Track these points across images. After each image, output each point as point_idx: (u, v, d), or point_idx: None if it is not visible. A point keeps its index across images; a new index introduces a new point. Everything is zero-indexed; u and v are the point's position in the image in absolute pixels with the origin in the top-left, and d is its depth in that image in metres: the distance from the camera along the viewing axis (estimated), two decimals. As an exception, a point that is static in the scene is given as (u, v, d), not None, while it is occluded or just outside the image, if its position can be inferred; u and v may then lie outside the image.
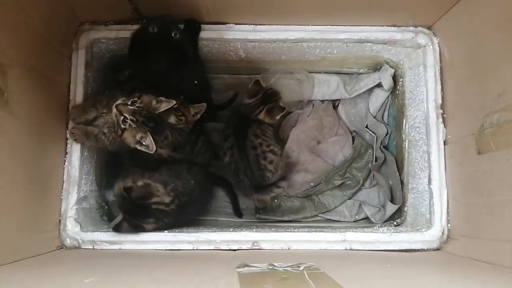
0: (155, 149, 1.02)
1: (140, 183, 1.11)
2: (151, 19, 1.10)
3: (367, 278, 0.68)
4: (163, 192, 1.12)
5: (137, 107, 1.02)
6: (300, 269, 0.76)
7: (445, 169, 1.12)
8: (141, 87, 1.28)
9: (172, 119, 1.10)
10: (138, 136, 1.02)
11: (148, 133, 1.02)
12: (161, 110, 1.05)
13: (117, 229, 1.07)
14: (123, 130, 1.03)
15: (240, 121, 1.31)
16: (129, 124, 1.02)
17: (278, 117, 1.32)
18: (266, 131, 1.33)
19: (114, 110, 1.02)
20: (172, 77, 1.15)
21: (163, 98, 1.05)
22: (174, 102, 1.05)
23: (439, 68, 1.16)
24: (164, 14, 1.10)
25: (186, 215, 1.22)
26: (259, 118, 1.31)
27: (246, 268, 0.78)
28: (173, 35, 1.08)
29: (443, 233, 1.09)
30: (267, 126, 1.34)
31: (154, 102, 1.04)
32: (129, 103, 1.02)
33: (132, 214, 1.07)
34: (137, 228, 1.08)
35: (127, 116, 1.01)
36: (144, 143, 1.03)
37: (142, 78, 1.22)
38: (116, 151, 1.22)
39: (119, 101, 1.02)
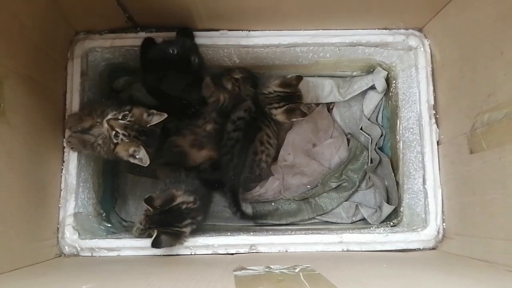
0: (148, 162, 1.03)
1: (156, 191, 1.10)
2: (173, 41, 1.13)
3: (363, 279, 0.69)
4: (181, 192, 1.11)
5: (128, 121, 1.02)
6: (296, 270, 0.76)
7: (439, 169, 1.14)
8: (138, 96, 1.31)
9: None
10: (131, 150, 1.03)
11: (141, 146, 1.02)
12: (152, 123, 1.05)
13: (157, 245, 1.00)
14: (116, 144, 1.04)
15: (252, 121, 1.30)
16: (121, 139, 1.02)
17: (293, 120, 1.32)
18: (273, 136, 1.33)
19: (105, 125, 1.03)
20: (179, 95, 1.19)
21: (154, 111, 1.06)
22: (166, 115, 1.05)
23: (431, 69, 1.17)
24: (185, 33, 1.15)
25: (207, 210, 1.23)
26: (272, 112, 1.30)
27: (242, 271, 0.78)
28: (192, 60, 1.11)
29: (438, 232, 1.10)
30: (275, 128, 1.34)
31: (145, 115, 1.05)
32: (120, 117, 1.02)
33: (165, 224, 1.05)
34: (176, 236, 1.05)
35: (118, 131, 1.02)
36: (137, 156, 1.04)
37: (147, 90, 1.24)
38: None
39: (109, 116, 1.03)
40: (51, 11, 1.05)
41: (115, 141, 1.03)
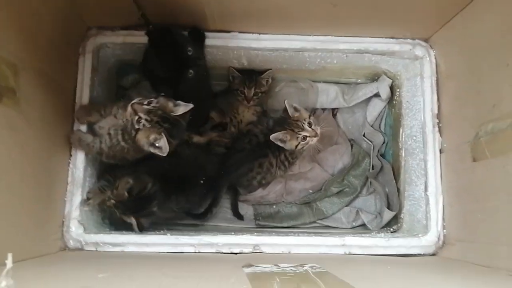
0: (167, 151, 1.01)
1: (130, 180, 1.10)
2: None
3: (372, 276, 0.71)
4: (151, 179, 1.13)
5: (152, 106, 1.00)
6: (304, 268, 0.78)
7: (441, 177, 1.16)
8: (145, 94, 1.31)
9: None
10: (152, 138, 1.00)
11: (162, 134, 1.00)
12: (178, 114, 1.03)
13: (140, 229, 1.09)
14: (137, 130, 1.01)
15: (263, 145, 1.32)
16: (143, 124, 1.00)
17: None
18: (275, 166, 1.34)
19: (129, 109, 1.01)
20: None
21: (180, 102, 1.04)
22: (192, 105, 1.04)
23: (436, 79, 1.20)
24: (197, 35, 1.18)
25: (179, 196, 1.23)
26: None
27: (252, 267, 0.80)
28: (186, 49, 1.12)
29: (439, 239, 1.12)
30: (285, 162, 1.35)
31: (170, 104, 1.03)
32: (145, 102, 1.01)
33: (137, 210, 1.09)
34: (150, 214, 1.11)
35: (141, 115, 1.00)
36: (157, 144, 1.01)
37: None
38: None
39: (135, 100, 1.01)
40: (67, 6, 1.07)
41: (136, 127, 1.01)
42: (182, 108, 1.03)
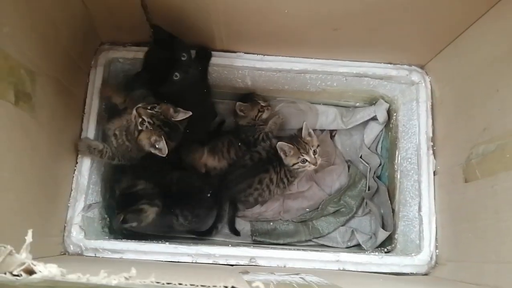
0: (167, 153, 1.09)
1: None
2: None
3: (364, 283, 0.73)
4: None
5: (155, 111, 1.10)
6: (299, 276, 0.80)
7: (434, 198, 1.19)
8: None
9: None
10: (153, 139, 1.09)
11: (162, 137, 1.09)
12: (178, 119, 1.12)
13: (124, 221, 1.12)
14: (140, 131, 1.10)
15: (265, 161, 1.37)
16: (146, 126, 1.09)
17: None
18: (275, 183, 1.38)
19: (134, 112, 1.09)
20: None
21: (180, 109, 1.13)
22: (190, 113, 1.13)
23: (431, 104, 1.26)
24: (203, 54, 1.24)
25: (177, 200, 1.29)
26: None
27: (249, 275, 0.82)
28: (180, 56, 1.16)
29: (431, 259, 1.14)
30: (284, 180, 1.39)
31: (171, 110, 1.12)
32: (148, 107, 1.10)
33: (125, 205, 1.15)
34: (138, 212, 1.15)
35: (145, 118, 1.09)
36: (157, 146, 1.10)
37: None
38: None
39: (140, 105, 1.10)
40: (83, 21, 1.13)
41: (140, 128, 1.09)
42: (182, 114, 1.13)
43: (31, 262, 0.40)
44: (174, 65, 1.15)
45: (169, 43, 1.14)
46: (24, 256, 0.40)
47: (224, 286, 0.38)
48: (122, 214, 1.12)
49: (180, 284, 0.40)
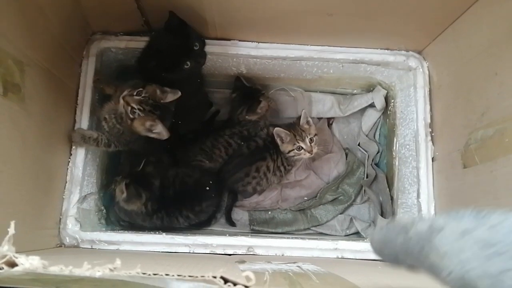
0: (167, 136, 1.07)
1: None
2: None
3: (363, 271, 0.72)
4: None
5: (142, 96, 1.06)
6: (296, 265, 0.79)
7: (433, 184, 1.18)
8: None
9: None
10: (148, 124, 1.07)
11: (157, 120, 1.06)
12: (167, 101, 1.09)
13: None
14: (132, 120, 1.07)
15: (263, 149, 1.36)
16: (138, 114, 1.06)
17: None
18: (272, 171, 1.37)
19: (121, 101, 1.07)
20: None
21: (168, 89, 1.09)
22: (179, 93, 1.09)
23: (429, 89, 1.24)
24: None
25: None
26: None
27: (245, 264, 0.81)
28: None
29: (430, 245, 1.13)
30: (281, 168, 1.39)
31: (158, 91, 1.08)
32: (134, 93, 1.07)
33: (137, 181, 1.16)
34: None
35: (134, 106, 1.06)
36: (154, 130, 1.08)
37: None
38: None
39: (125, 93, 1.07)
40: (74, 10, 1.11)
41: (131, 116, 1.07)
42: (170, 95, 1.09)
43: (13, 255, 0.39)
44: (185, 53, 1.13)
45: (182, 31, 1.12)
46: (6, 248, 0.39)
47: (213, 276, 0.37)
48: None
49: (167, 275, 0.39)
